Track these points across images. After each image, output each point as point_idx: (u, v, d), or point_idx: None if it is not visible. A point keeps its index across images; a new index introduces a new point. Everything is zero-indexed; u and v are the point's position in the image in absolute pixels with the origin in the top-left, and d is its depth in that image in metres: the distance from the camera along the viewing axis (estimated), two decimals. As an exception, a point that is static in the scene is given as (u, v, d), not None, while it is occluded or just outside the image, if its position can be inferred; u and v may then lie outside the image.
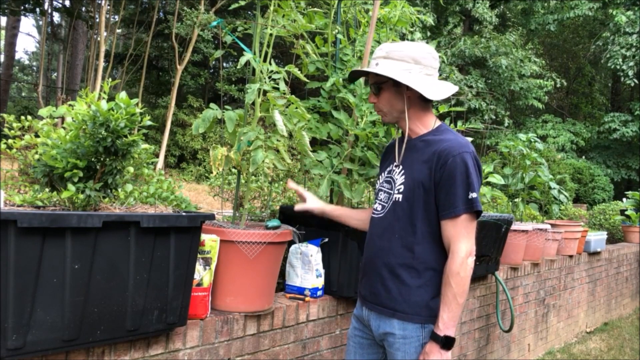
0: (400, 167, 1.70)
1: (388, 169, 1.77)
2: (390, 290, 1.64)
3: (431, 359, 1.55)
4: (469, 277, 1.54)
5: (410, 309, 1.61)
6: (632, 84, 14.66)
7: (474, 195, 1.54)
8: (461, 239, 1.55)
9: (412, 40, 2.86)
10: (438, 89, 1.66)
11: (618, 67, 14.52)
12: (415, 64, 1.64)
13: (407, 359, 1.60)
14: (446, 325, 1.54)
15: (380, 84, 1.69)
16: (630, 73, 14.38)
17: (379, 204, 1.75)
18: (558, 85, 16.57)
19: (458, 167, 1.55)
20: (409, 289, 1.61)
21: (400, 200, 1.66)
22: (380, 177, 1.80)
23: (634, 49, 14.35)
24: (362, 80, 2.36)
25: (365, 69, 1.68)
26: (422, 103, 1.69)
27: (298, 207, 1.99)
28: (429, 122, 1.71)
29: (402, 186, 1.66)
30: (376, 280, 1.69)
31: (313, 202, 1.98)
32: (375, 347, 1.77)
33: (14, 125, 1.79)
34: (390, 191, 1.71)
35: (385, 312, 1.65)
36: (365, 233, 1.92)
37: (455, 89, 1.69)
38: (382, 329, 1.66)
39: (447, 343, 1.54)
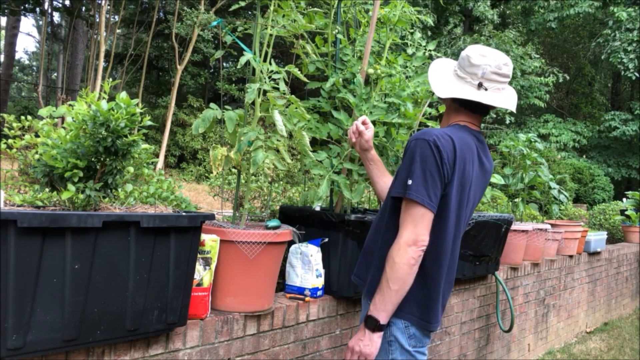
0: None
1: None
2: (366, 269, 1.70)
3: (356, 337, 1.58)
4: (407, 266, 1.49)
5: (372, 294, 1.64)
6: (633, 77, 14.66)
7: (410, 182, 1.51)
8: (405, 226, 1.52)
9: (412, 40, 2.85)
10: (448, 87, 1.64)
11: (619, 60, 14.57)
12: (458, 64, 1.68)
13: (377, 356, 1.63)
14: (375, 307, 1.54)
15: None
16: (631, 66, 14.43)
17: None
18: (560, 81, 16.54)
19: (408, 152, 1.56)
20: (372, 271, 1.65)
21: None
22: None
23: (634, 44, 14.41)
24: (361, 80, 2.36)
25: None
26: (455, 105, 1.70)
27: (362, 128, 1.90)
28: (454, 121, 1.72)
29: None
30: (362, 257, 1.77)
31: (371, 131, 1.93)
32: None
33: (14, 125, 1.79)
34: None
35: (363, 292, 1.71)
36: (367, 232, 1.93)
37: (484, 99, 1.61)
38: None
39: (370, 322, 1.55)
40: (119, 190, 1.71)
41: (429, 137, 1.53)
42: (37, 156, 1.64)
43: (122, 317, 1.47)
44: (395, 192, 1.56)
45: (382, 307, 1.53)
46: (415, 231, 1.50)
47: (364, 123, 1.92)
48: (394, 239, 1.55)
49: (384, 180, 1.93)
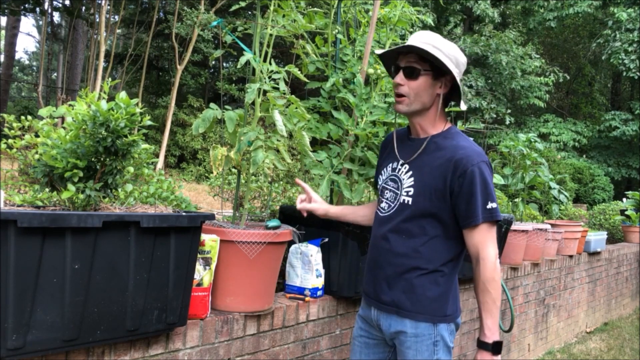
0: (407, 166, 1.67)
1: (392, 166, 1.74)
2: (400, 290, 1.64)
3: None
4: (500, 280, 1.61)
5: (422, 308, 1.62)
6: (635, 77, 14.64)
7: (493, 205, 1.58)
8: (488, 244, 1.58)
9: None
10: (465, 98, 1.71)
11: (620, 61, 14.56)
12: (456, 66, 1.64)
13: (419, 358, 1.61)
14: (492, 331, 1.57)
15: (420, 70, 1.61)
16: (633, 66, 14.42)
17: (386, 202, 1.72)
18: (560, 81, 16.53)
19: (477, 178, 1.57)
20: (418, 288, 1.62)
21: (409, 203, 1.64)
22: (383, 172, 1.78)
23: (635, 45, 14.41)
24: (361, 80, 2.36)
25: (425, 48, 1.57)
26: (443, 105, 1.69)
27: (300, 206, 1.88)
28: (441, 124, 1.70)
29: (411, 189, 1.64)
30: (383, 280, 1.68)
31: (318, 204, 1.88)
32: (382, 346, 1.76)
33: (14, 125, 1.79)
34: (397, 191, 1.68)
35: (396, 312, 1.65)
36: (367, 232, 1.92)
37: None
38: (394, 328, 1.66)
39: (496, 348, 1.57)
40: (119, 190, 1.71)
41: (484, 158, 1.61)
42: (37, 156, 1.64)
43: (122, 317, 1.47)
44: (483, 217, 1.57)
45: (496, 327, 1.58)
46: (495, 246, 1.60)
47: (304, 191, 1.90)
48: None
49: (364, 211, 1.94)
